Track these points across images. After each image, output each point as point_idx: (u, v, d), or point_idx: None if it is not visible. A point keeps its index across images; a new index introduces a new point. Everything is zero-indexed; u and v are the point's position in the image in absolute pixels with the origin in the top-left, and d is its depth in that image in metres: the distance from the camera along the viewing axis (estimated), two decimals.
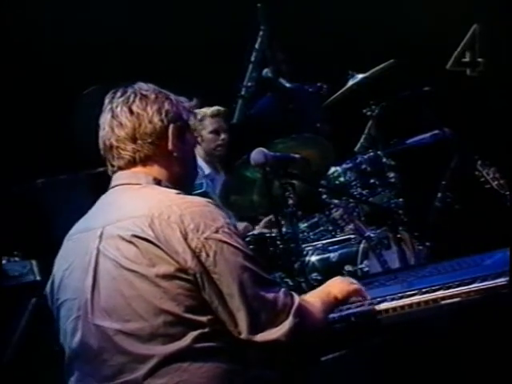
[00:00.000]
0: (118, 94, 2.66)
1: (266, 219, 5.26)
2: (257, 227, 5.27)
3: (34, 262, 4.62)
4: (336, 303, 2.73)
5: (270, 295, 2.47)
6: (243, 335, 2.43)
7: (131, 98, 2.62)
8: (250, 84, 5.47)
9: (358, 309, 2.76)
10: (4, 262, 4.59)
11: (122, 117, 2.61)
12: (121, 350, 2.44)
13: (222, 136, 5.69)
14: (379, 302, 2.74)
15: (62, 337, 2.61)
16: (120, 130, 2.60)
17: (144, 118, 2.60)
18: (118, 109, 2.62)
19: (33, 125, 5.68)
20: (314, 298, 2.66)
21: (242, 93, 5.47)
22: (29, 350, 4.52)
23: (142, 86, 2.67)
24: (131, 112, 2.61)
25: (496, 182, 4.83)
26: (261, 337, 2.44)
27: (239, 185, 4.75)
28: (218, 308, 2.43)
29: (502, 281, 2.56)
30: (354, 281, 2.86)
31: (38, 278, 4.60)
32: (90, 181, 4.94)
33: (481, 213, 5.24)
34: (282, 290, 2.52)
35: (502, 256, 2.80)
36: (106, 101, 2.67)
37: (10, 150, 5.44)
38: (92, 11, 5.87)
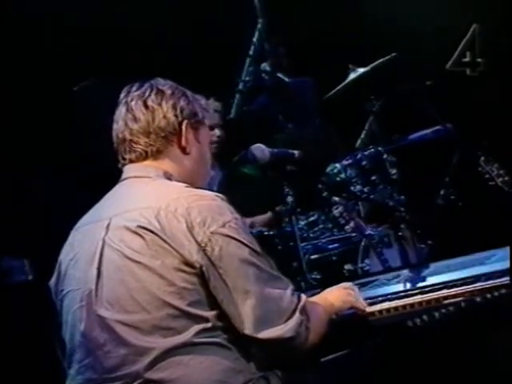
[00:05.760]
0: (134, 88, 2.67)
1: (264, 216, 5.19)
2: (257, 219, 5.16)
3: (25, 261, 4.60)
4: (332, 311, 2.70)
5: (276, 292, 2.47)
6: (247, 331, 2.42)
7: (147, 93, 2.64)
8: (247, 78, 5.45)
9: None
10: None
11: (136, 110, 2.62)
12: (123, 341, 2.43)
13: (217, 133, 5.42)
14: (380, 301, 2.74)
15: (64, 329, 2.60)
16: (134, 123, 2.62)
17: (159, 113, 2.62)
18: (133, 102, 2.64)
19: (32, 122, 5.65)
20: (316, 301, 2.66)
21: (240, 87, 5.44)
22: (25, 348, 4.49)
23: (159, 81, 2.68)
24: (146, 106, 2.62)
25: (500, 179, 4.79)
26: (264, 334, 2.43)
27: (237, 181, 4.73)
28: (224, 302, 2.43)
29: (506, 279, 2.56)
30: (354, 288, 2.83)
31: (30, 277, 4.60)
32: (86, 178, 4.94)
33: (484, 210, 5.19)
34: (290, 287, 2.51)
35: (505, 254, 2.76)
36: (122, 94, 2.69)
37: (9, 149, 5.40)
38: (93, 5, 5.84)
